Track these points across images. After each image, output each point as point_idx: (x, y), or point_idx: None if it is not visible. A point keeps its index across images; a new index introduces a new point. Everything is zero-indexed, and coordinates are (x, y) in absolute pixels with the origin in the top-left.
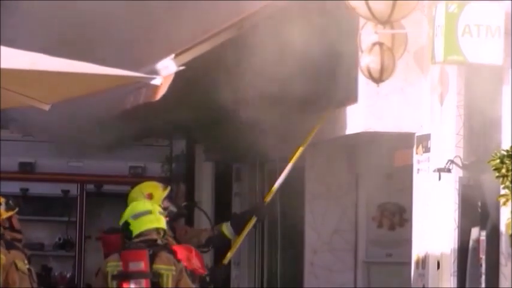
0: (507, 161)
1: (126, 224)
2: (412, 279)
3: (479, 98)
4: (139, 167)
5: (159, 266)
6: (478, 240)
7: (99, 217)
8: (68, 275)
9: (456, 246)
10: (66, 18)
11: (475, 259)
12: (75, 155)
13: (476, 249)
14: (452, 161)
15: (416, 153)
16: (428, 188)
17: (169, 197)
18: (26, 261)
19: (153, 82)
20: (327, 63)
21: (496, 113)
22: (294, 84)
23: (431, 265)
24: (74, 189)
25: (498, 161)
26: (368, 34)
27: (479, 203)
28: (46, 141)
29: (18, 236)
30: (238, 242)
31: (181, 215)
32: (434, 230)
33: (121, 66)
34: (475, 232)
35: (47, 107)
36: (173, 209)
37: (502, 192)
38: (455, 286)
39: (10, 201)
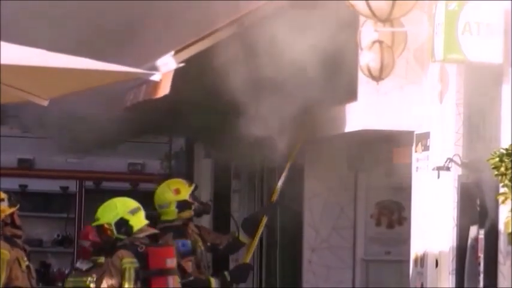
0: (506, 160)
1: (123, 220)
2: (410, 277)
3: (478, 97)
4: (139, 164)
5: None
6: (476, 239)
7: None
8: (67, 272)
9: (455, 244)
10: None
11: (473, 257)
12: (74, 152)
13: (474, 247)
14: (451, 160)
15: (416, 152)
16: (427, 186)
17: (193, 194)
18: (25, 259)
19: (152, 78)
20: (327, 61)
21: (496, 112)
22: (293, 82)
23: (430, 263)
24: (72, 185)
25: (497, 159)
26: (368, 32)
27: (478, 202)
28: (45, 137)
29: (18, 232)
30: (254, 244)
31: (205, 211)
32: (433, 228)
33: (120, 62)
34: (473, 230)
35: (45, 102)
36: (198, 205)
37: (501, 190)
38: (454, 284)
39: (12, 197)
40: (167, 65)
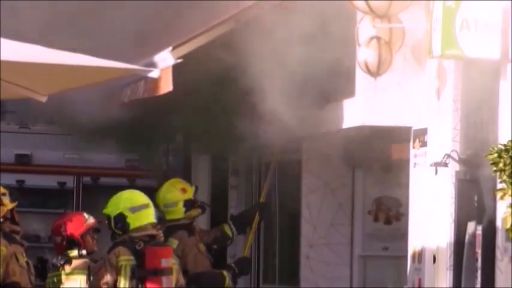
0: (504, 155)
1: (122, 216)
2: (408, 273)
3: (476, 93)
4: (136, 159)
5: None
6: (474, 235)
7: (95, 209)
8: None
9: (452, 240)
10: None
11: (471, 253)
12: (72, 148)
13: (472, 243)
14: (449, 155)
15: (413, 147)
16: (425, 182)
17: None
18: (24, 255)
19: (150, 75)
20: (325, 57)
21: (493, 108)
22: (291, 78)
23: (428, 259)
24: (70, 181)
25: (495, 155)
26: (366, 28)
27: (476, 198)
28: (42, 133)
29: (17, 228)
30: (250, 238)
31: (205, 210)
32: (430, 224)
33: (118, 58)
34: (471, 226)
35: (44, 99)
36: (201, 204)
37: (499, 186)
38: (452, 280)
39: (12, 192)
40: (165, 60)
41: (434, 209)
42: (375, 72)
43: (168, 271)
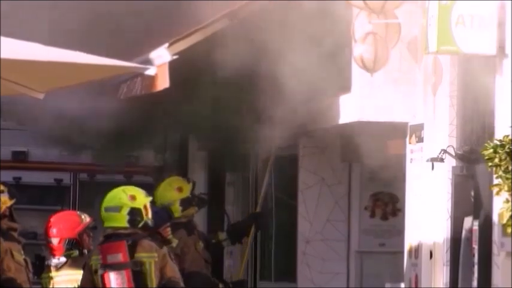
0: (500, 151)
1: (101, 211)
2: (405, 268)
3: (472, 88)
4: (133, 156)
5: (141, 255)
6: (470, 230)
7: (92, 206)
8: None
9: (449, 235)
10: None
11: (467, 249)
12: (68, 147)
13: (469, 238)
14: (445, 151)
15: (410, 143)
16: (421, 177)
17: (192, 189)
18: (21, 252)
19: (147, 72)
20: (321, 53)
21: (489, 103)
22: (287, 74)
23: (424, 255)
24: (67, 178)
25: (491, 150)
26: (362, 24)
27: (472, 193)
28: (38, 131)
29: (14, 225)
30: (245, 255)
31: (204, 205)
32: (427, 219)
33: (115, 56)
34: (467, 222)
35: (41, 96)
36: (197, 200)
37: (495, 181)
38: (448, 276)
39: (11, 190)
40: (161, 57)
41: (431, 204)
42: (371, 68)
43: (115, 267)
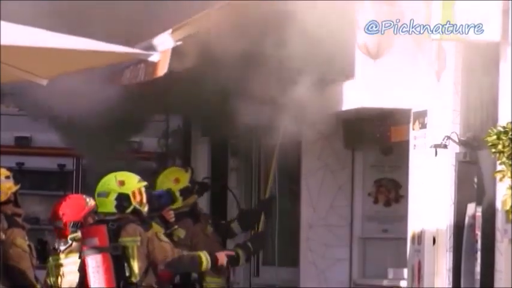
0: (504, 137)
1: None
2: (408, 255)
3: (476, 75)
4: (135, 142)
5: (124, 239)
6: (474, 216)
7: (94, 192)
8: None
9: (452, 222)
10: None
11: (471, 235)
12: (71, 133)
13: (472, 225)
14: (448, 137)
15: (413, 129)
16: (425, 164)
17: (191, 177)
18: (26, 238)
19: (151, 59)
20: (325, 39)
21: (493, 90)
22: (291, 60)
23: (427, 241)
24: (70, 163)
25: (495, 137)
26: (366, 10)
27: (476, 179)
28: (41, 117)
29: (19, 211)
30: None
31: (205, 190)
32: (430, 206)
33: (118, 42)
34: (471, 208)
35: (44, 82)
36: (197, 188)
37: (499, 168)
38: (451, 262)
39: (15, 175)
40: (164, 43)
41: (434, 190)
42: (374, 55)
43: (90, 251)
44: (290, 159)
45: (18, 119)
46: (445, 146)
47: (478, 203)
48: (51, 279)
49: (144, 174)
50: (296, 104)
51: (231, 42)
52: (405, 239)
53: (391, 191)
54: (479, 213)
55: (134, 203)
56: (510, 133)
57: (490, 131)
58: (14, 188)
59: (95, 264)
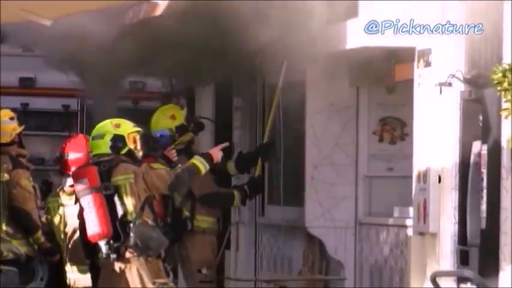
0: (509, 75)
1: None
2: (413, 193)
3: (480, 13)
4: (140, 82)
5: (116, 178)
6: (479, 154)
7: None
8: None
9: (457, 160)
10: None
11: (476, 173)
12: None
13: (477, 163)
14: (453, 75)
15: (417, 68)
16: (430, 102)
17: (186, 115)
18: (30, 179)
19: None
20: None
21: (498, 27)
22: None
23: (433, 179)
24: (74, 104)
25: (500, 74)
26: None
27: (481, 117)
28: (44, 56)
29: (24, 152)
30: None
31: (200, 129)
32: (435, 144)
33: None
34: (476, 146)
35: (48, 22)
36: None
37: (504, 106)
38: (457, 200)
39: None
40: None
41: (439, 129)
42: None
43: (81, 193)
44: (294, 99)
45: (22, 59)
46: (450, 84)
47: (483, 141)
48: (52, 218)
49: (148, 114)
50: (301, 43)
51: None
52: (410, 177)
53: (396, 129)
54: (484, 151)
55: (130, 145)
56: None
57: (495, 68)
58: (19, 129)
59: (87, 205)
